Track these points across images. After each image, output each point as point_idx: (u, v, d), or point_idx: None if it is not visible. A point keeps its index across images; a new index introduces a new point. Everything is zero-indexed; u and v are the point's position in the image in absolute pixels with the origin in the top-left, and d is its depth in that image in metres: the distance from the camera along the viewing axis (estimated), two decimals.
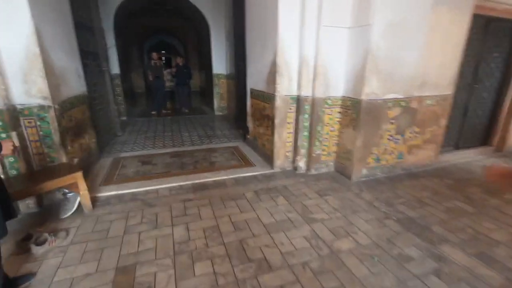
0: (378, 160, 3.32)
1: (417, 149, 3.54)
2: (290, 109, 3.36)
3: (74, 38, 3.38)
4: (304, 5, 2.91)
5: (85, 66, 3.84)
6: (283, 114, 3.35)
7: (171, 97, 8.83)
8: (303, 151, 3.44)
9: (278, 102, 3.27)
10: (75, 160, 2.97)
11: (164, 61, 20.24)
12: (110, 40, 6.19)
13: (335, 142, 3.47)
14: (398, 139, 3.34)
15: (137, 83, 13.69)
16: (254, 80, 3.96)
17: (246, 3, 3.92)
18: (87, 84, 3.77)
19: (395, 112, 3.17)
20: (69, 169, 2.52)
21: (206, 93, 9.12)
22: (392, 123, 3.21)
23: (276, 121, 3.34)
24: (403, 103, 3.18)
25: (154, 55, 7.22)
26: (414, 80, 3.14)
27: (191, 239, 2.17)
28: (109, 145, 4.53)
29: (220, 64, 7.33)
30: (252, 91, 4.08)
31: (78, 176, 2.42)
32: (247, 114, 4.47)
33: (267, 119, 3.62)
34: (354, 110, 3.08)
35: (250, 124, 4.40)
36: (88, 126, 3.56)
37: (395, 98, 3.11)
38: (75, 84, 3.23)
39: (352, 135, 3.14)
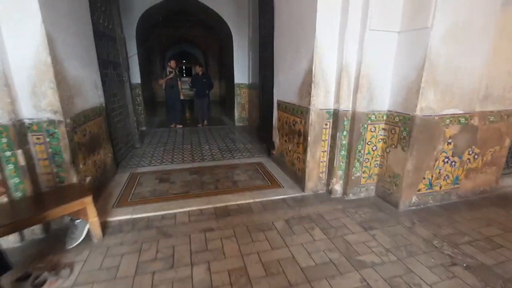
0: (430, 186, 2.81)
1: (475, 173, 2.99)
2: (326, 124, 2.95)
3: (93, 47, 3.18)
4: (347, 5, 2.52)
5: (104, 76, 3.65)
6: (318, 130, 2.93)
7: (190, 107, 8.65)
8: (339, 172, 3.00)
9: (313, 117, 2.86)
10: (88, 179, 2.70)
11: (183, 70, 20.55)
12: (132, 49, 6.09)
13: (377, 163, 3.00)
14: (455, 162, 2.82)
15: (158, 92, 13.78)
16: (283, 91, 3.59)
17: (276, 8, 3.59)
18: (106, 95, 3.56)
19: (453, 130, 2.67)
20: (79, 192, 2.23)
21: (227, 103, 8.88)
22: (449, 143, 2.70)
23: (310, 138, 2.94)
24: (462, 120, 2.67)
25: (172, 63, 6.53)
26: (476, 93, 2.64)
27: (214, 285, 1.78)
28: (127, 159, 4.29)
29: (242, 74, 7.06)
30: (280, 103, 3.71)
31: (87, 202, 2.12)
32: (273, 128, 4.09)
33: (297, 135, 3.22)
34: (404, 128, 2.62)
35: (276, 139, 4.02)
36: (105, 140, 3.32)
37: (453, 114, 2.61)
38: (92, 95, 3.00)
39: (401, 157, 2.67)
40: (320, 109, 2.87)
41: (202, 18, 7.89)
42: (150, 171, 3.79)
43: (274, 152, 4.17)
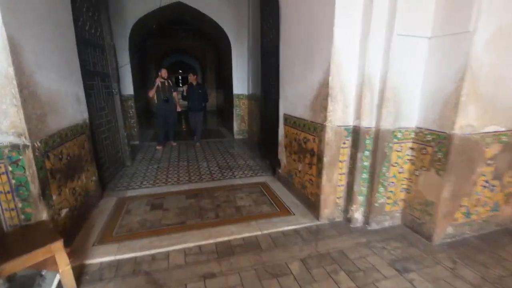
0: (468, 214, 2.41)
1: None
2: (344, 143, 2.56)
3: (75, 56, 2.78)
4: (370, 7, 2.17)
5: (90, 89, 3.25)
6: (335, 150, 2.54)
7: (187, 119, 8.08)
8: (360, 198, 2.59)
9: (329, 135, 2.47)
10: (64, 212, 2.25)
11: (179, 81, 20.18)
12: (125, 59, 5.72)
13: (403, 188, 2.60)
14: (495, 186, 2.44)
15: (153, 103, 13.38)
16: (291, 105, 3.22)
17: (282, 14, 3.25)
18: (91, 110, 3.16)
19: (493, 150, 2.30)
20: (47, 234, 1.79)
21: (225, 114, 8.50)
22: (489, 164, 2.33)
23: (326, 159, 2.54)
24: (504, 138, 2.30)
25: (163, 72, 5.40)
26: None
27: None
28: (115, 179, 3.84)
29: (241, 84, 6.71)
30: (287, 117, 3.32)
31: (57, 248, 1.67)
32: (279, 144, 3.70)
33: (309, 155, 2.82)
34: (438, 148, 2.23)
35: (282, 156, 3.61)
36: (88, 161, 2.88)
37: (495, 132, 2.25)
38: (72, 111, 2.58)
39: (436, 182, 2.27)
40: (338, 126, 2.48)
41: (199, 26, 7.59)
42: (141, 194, 3.34)
43: (280, 171, 3.76)
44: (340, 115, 2.46)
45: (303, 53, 2.80)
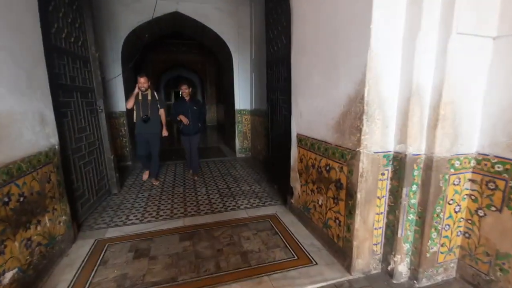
0: None
1: None
2: (383, 174, 1.98)
3: (42, 68, 2.25)
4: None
5: (65, 107, 2.72)
6: (371, 183, 1.95)
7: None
8: (405, 246, 1.98)
9: (364, 164, 1.90)
10: (8, 276, 1.65)
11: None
12: (117, 72, 5.24)
13: (460, 230, 2.00)
14: None
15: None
16: (307, 123, 2.66)
17: (295, 16, 2.76)
18: (65, 132, 2.61)
19: None
20: None
21: (226, 130, 7.96)
22: None
23: (359, 194, 1.95)
24: None
25: (142, 80, 3.82)
26: None
27: None
28: (97, 212, 3.23)
29: (243, 98, 6.21)
30: (302, 138, 2.76)
31: None
32: (291, 169, 3.11)
33: (334, 187, 2.24)
34: None
35: (295, 184, 3.02)
36: (56, 198, 2.29)
37: None
38: (32, 136, 2.02)
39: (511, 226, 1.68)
40: (375, 153, 1.91)
41: (198, 39, 7.19)
42: (124, 235, 2.72)
43: (292, 201, 3.16)
44: (378, 138, 1.89)
45: (324, 61, 2.27)
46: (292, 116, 2.99)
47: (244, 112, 6.30)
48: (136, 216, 3.15)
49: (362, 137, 1.86)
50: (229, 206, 3.43)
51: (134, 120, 4.04)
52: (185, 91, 4.28)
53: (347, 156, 2.04)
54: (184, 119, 4.22)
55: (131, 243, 2.56)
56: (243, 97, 6.19)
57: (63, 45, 2.78)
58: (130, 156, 5.74)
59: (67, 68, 2.82)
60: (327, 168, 2.33)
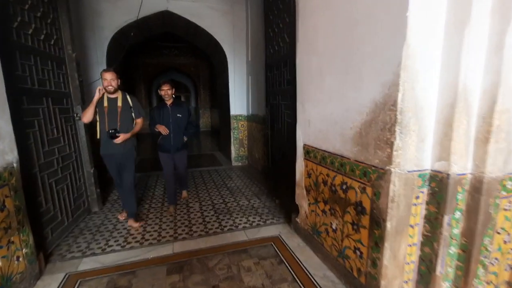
0: None
1: None
2: (417, 198, 1.61)
3: None
4: None
5: (33, 115, 2.31)
6: (403, 209, 1.58)
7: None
8: (445, 285, 1.61)
9: (396, 187, 1.53)
10: None
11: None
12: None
13: (509, 264, 1.65)
14: None
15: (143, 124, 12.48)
16: (317, 133, 2.29)
17: (301, 9, 2.40)
18: (31, 145, 2.19)
19: None
20: None
21: (221, 136, 7.56)
22: None
23: (389, 223, 1.58)
24: None
25: (107, 74, 2.66)
26: None
27: None
28: (73, 235, 2.79)
29: (239, 103, 5.84)
30: (310, 150, 2.39)
31: None
32: (296, 184, 2.74)
33: (354, 210, 1.86)
34: None
35: (302, 201, 2.64)
36: (12, 229, 1.86)
37: None
38: None
39: None
40: (409, 172, 1.54)
41: (191, 40, 6.81)
42: (101, 267, 2.29)
43: (298, 220, 2.77)
44: (413, 154, 1.53)
45: (340, 60, 1.91)
46: (297, 124, 2.62)
47: (240, 118, 5.92)
48: (118, 241, 2.71)
49: (394, 152, 1.50)
50: (225, 226, 3.02)
51: (98, 136, 2.78)
52: (167, 92, 3.16)
53: (372, 175, 1.67)
54: (162, 129, 3.15)
55: (108, 278, 2.13)
56: (239, 102, 5.82)
57: (30, 42, 2.36)
58: None
59: (34, 70, 2.40)
60: (344, 187, 1.96)
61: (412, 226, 1.64)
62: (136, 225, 3.00)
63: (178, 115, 3.26)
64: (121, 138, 2.69)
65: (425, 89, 1.46)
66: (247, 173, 5.30)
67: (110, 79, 2.62)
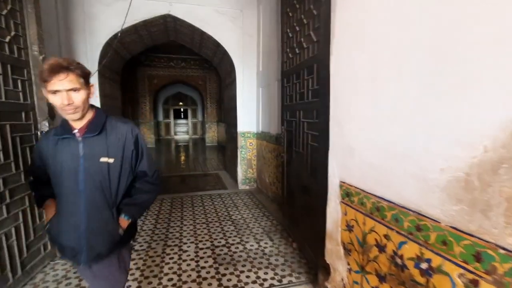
0: None
1: None
2: None
3: None
4: None
5: None
6: None
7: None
8: None
9: None
10: None
11: (181, 113, 18.55)
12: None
13: None
14: None
15: (146, 138, 11.99)
16: (365, 168, 1.52)
17: None
18: None
19: None
20: None
21: (227, 153, 6.84)
22: None
23: None
24: None
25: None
26: None
27: None
28: None
29: (248, 118, 5.13)
30: (353, 192, 1.62)
31: None
32: (326, 235, 1.94)
33: None
34: None
35: (336, 262, 1.84)
36: None
37: None
38: None
39: None
40: None
41: (196, 49, 6.25)
42: None
43: (328, 285, 1.96)
44: None
45: (424, 53, 1.16)
46: (330, 151, 1.86)
47: (248, 135, 5.20)
48: None
49: None
50: (230, 283, 2.22)
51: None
52: (68, 97, 1.10)
53: (497, 263, 0.88)
54: (48, 211, 1.33)
55: None
56: (248, 117, 5.12)
57: None
58: None
59: None
60: (424, 266, 1.17)
61: None
62: None
63: (101, 158, 1.22)
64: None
65: None
66: (256, 200, 4.51)
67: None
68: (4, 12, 2.06)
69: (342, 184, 1.74)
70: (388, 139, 1.34)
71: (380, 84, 1.38)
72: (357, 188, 1.59)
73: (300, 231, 2.74)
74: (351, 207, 1.66)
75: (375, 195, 1.45)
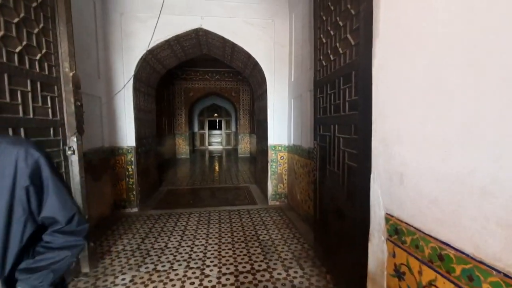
0: None
1: None
2: None
3: None
4: None
5: None
6: None
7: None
8: None
9: None
10: None
11: (216, 125, 19.02)
12: (127, 98, 4.35)
13: None
14: None
15: (181, 149, 12.35)
16: (421, 201, 1.18)
17: None
18: None
19: None
20: None
21: (258, 165, 6.62)
22: None
23: None
24: None
25: None
26: None
27: None
28: None
29: (279, 131, 4.89)
30: (403, 229, 1.27)
31: None
32: (368, 277, 1.58)
33: None
34: None
35: None
36: None
37: None
38: None
39: None
40: None
41: (227, 61, 6.23)
42: None
43: None
44: None
45: None
46: (372, 175, 1.53)
47: (279, 148, 4.94)
48: None
49: None
50: None
51: None
52: None
53: None
54: None
55: None
56: (279, 129, 4.88)
57: None
58: (137, 201, 4.63)
59: None
60: None
61: None
62: None
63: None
64: None
65: None
66: (286, 218, 4.19)
67: None
68: (36, 30, 2.12)
69: (389, 218, 1.40)
70: (459, 168, 0.99)
71: (448, 95, 1.05)
72: (410, 225, 1.24)
73: (335, 262, 2.37)
74: (401, 248, 1.31)
75: (437, 239, 1.09)
